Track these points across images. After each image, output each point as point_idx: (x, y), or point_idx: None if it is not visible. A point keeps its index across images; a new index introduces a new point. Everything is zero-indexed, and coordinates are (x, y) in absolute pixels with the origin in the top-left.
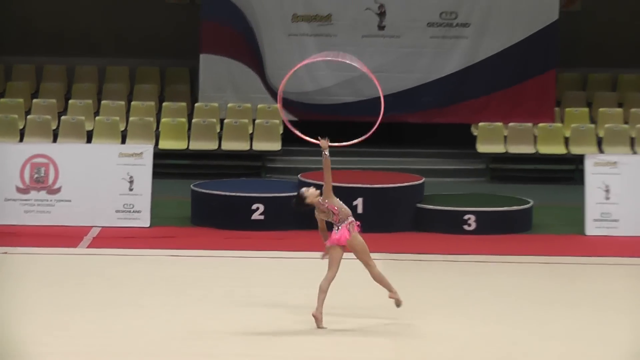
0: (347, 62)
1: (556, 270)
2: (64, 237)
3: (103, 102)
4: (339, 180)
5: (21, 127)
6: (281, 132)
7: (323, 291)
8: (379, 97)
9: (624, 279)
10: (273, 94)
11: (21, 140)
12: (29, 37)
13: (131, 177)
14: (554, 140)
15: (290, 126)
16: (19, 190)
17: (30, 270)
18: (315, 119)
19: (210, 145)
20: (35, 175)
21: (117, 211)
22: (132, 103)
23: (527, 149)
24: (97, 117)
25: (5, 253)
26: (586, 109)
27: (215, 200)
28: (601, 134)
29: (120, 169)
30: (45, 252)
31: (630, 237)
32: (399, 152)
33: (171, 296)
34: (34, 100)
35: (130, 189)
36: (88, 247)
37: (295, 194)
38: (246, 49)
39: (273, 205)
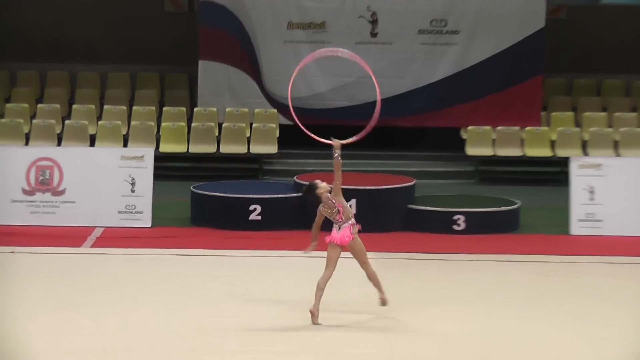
0: (346, 56)
1: (542, 269)
2: (69, 237)
3: (105, 107)
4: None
5: (26, 131)
6: (277, 135)
7: (320, 289)
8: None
9: (608, 277)
10: (269, 98)
11: (26, 143)
12: (33, 44)
13: (133, 179)
14: (540, 143)
15: (303, 128)
16: (24, 192)
17: (35, 269)
18: (309, 123)
19: (209, 149)
20: (41, 178)
21: (120, 212)
22: (134, 108)
23: (514, 151)
24: (99, 122)
25: (12, 252)
26: (571, 113)
27: (219, 202)
28: (586, 137)
29: (123, 172)
30: (50, 252)
31: (614, 236)
32: (391, 155)
33: (172, 294)
34: (39, 106)
35: (132, 191)
36: (91, 246)
37: (309, 183)
38: (243, 55)
39: (270, 206)
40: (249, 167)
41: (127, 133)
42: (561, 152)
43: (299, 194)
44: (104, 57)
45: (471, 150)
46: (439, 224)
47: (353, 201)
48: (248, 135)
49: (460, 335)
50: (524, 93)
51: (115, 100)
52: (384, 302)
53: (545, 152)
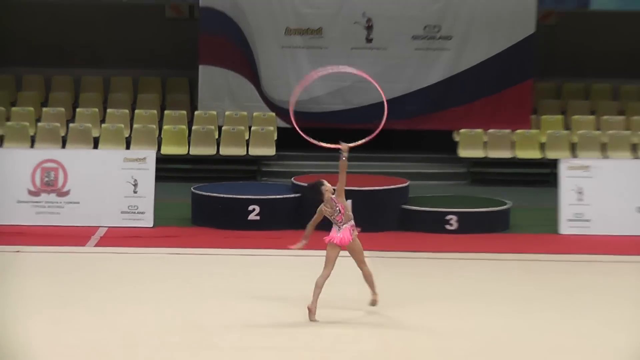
0: (348, 71)
1: (533, 267)
2: (73, 236)
3: (108, 110)
4: (330, 183)
5: (32, 133)
6: (275, 138)
7: (318, 287)
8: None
9: (596, 275)
10: (268, 102)
11: (32, 146)
12: (38, 50)
13: (135, 180)
14: (530, 145)
15: (312, 140)
16: (30, 192)
17: (41, 268)
18: (306, 126)
19: (209, 151)
20: (46, 179)
21: (123, 212)
22: (136, 111)
23: (505, 153)
24: (103, 125)
25: (18, 252)
26: (561, 117)
27: (219, 202)
28: (575, 139)
29: (125, 173)
30: (55, 251)
31: (602, 235)
32: (385, 157)
33: (173, 291)
34: (44, 109)
35: (135, 192)
36: (95, 245)
37: (315, 181)
38: (242, 60)
39: (268, 207)
40: (247, 168)
41: (130, 136)
42: (551, 154)
43: (297, 195)
44: (107, 62)
45: (463, 152)
46: (432, 224)
47: (349, 202)
48: (247, 137)
49: (454, 332)
50: (515, 97)
51: (118, 104)
52: (373, 303)
53: (535, 154)
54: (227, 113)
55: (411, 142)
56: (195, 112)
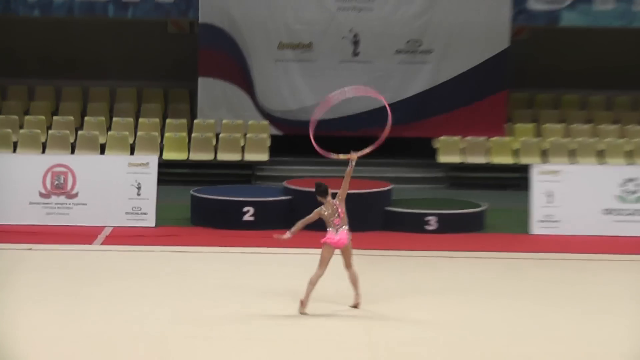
0: (354, 94)
1: (506, 264)
2: (81, 235)
3: (114, 118)
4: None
5: (43, 140)
6: (269, 144)
7: (312, 284)
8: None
9: (565, 271)
10: (262, 112)
11: (43, 151)
12: (49, 63)
13: (139, 183)
14: (504, 152)
15: (319, 149)
16: (41, 195)
17: (51, 264)
18: (297, 133)
19: (208, 156)
20: (56, 182)
21: (127, 213)
22: (140, 120)
23: (481, 159)
24: (109, 132)
25: (30, 249)
26: (533, 125)
27: (216, 204)
28: (545, 146)
29: (130, 177)
30: (64, 249)
31: (570, 235)
32: (370, 162)
33: (174, 286)
34: (54, 117)
35: (138, 194)
36: (101, 244)
37: (323, 183)
38: (238, 73)
39: (262, 208)
40: (243, 173)
41: (134, 142)
42: (523, 160)
43: (289, 197)
44: (113, 74)
45: (442, 158)
46: (414, 225)
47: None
48: (242, 144)
49: (435, 323)
50: (490, 107)
51: (123, 113)
52: (356, 306)
53: (508, 159)
54: (224, 121)
55: (394, 148)
56: (195, 121)
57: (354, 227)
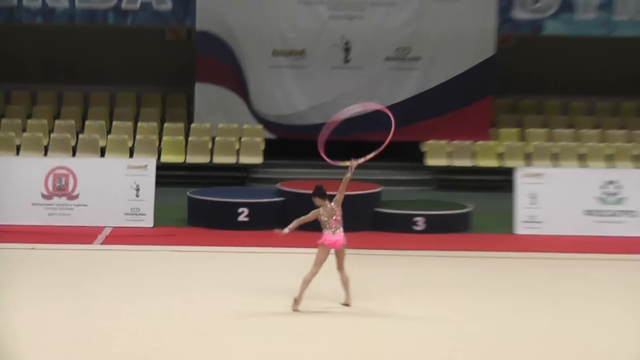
0: (360, 109)
1: (491, 263)
2: (81, 235)
3: (114, 122)
4: (310, 188)
5: (45, 143)
6: (263, 148)
7: (306, 282)
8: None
9: (548, 270)
10: (256, 116)
11: (45, 154)
12: (52, 68)
13: (137, 185)
14: (489, 155)
15: (326, 158)
16: (43, 196)
17: (53, 263)
18: (290, 137)
19: (204, 159)
20: (57, 184)
21: (126, 214)
22: (139, 124)
23: (467, 162)
24: (109, 136)
25: (33, 248)
26: (517, 130)
27: (212, 205)
28: (529, 150)
29: (129, 179)
30: (65, 248)
31: (552, 235)
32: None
33: (171, 284)
34: (56, 121)
35: (137, 196)
36: (101, 244)
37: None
38: (234, 78)
39: (256, 209)
40: (238, 175)
41: (133, 145)
42: (508, 163)
43: (282, 198)
44: (113, 80)
45: (430, 161)
46: (402, 225)
47: None
48: (237, 147)
49: (423, 319)
50: (476, 112)
51: (123, 117)
52: (346, 304)
53: (493, 162)
54: (220, 125)
55: (383, 152)
56: (192, 125)
57: (344, 227)
